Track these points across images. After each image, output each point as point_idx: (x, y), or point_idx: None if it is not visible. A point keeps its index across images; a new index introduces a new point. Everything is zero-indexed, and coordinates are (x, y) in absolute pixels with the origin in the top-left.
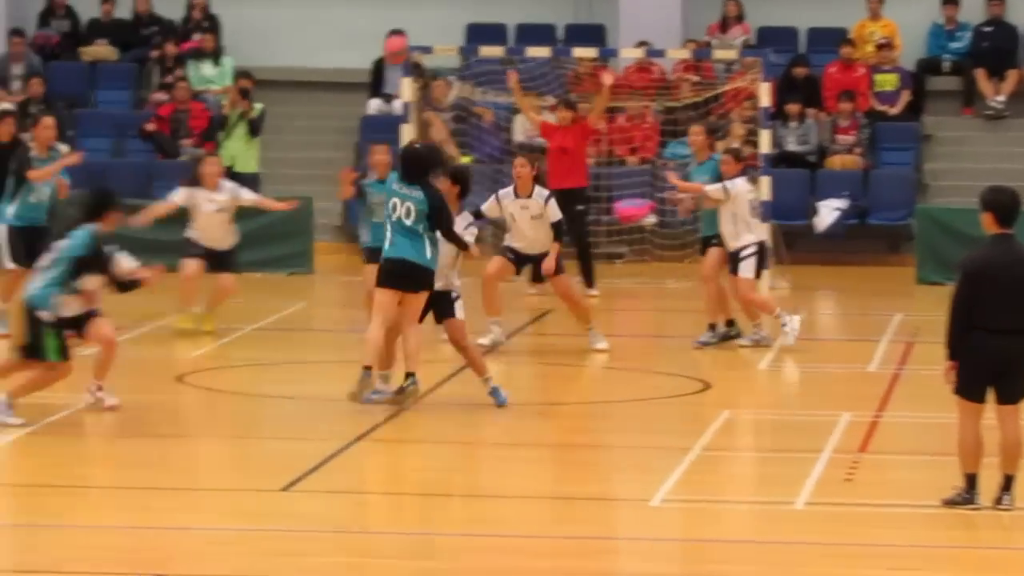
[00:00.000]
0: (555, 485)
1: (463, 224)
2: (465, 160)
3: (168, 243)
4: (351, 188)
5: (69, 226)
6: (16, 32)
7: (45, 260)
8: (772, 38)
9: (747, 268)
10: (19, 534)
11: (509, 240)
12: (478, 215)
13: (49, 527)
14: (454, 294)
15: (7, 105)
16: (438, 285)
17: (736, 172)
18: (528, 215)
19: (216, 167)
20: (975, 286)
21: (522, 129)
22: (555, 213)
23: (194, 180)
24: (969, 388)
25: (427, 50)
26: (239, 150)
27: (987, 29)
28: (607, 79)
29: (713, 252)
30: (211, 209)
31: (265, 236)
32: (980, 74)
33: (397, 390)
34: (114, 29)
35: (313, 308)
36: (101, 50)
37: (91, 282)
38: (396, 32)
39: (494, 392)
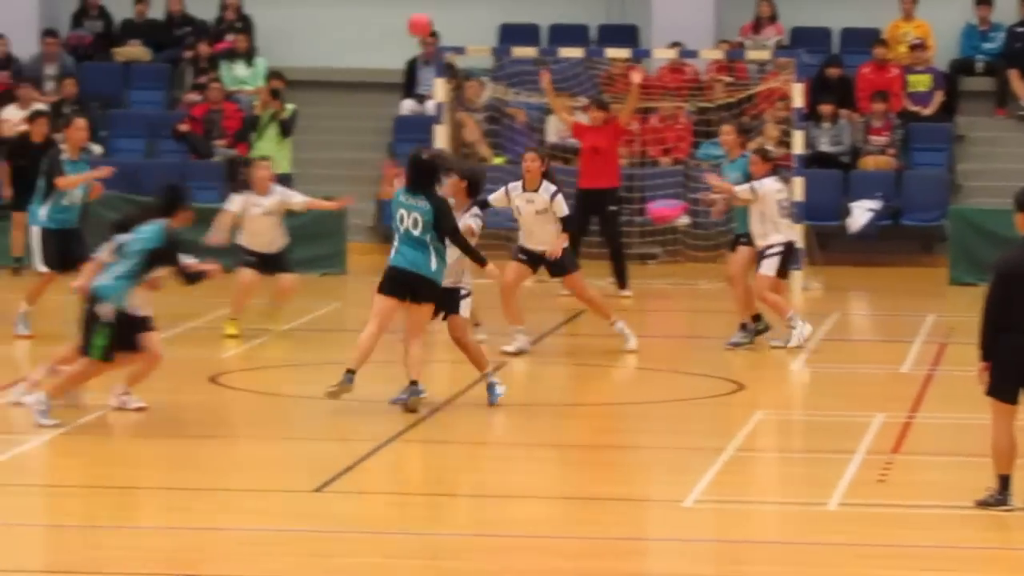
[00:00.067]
0: (587, 486)
1: (469, 212)
2: (498, 161)
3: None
4: (392, 188)
5: (135, 222)
6: (49, 33)
7: (107, 255)
8: (805, 38)
9: (768, 266)
10: (52, 535)
11: (520, 240)
12: (485, 204)
13: (82, 528)
14: (463, 291)
15: (40, 106)
16: (447, 282)
17: (765, 172)
18: (533, 209)
19: (266, 171)
20: (1008, 287)
21: (555, 130)
22: (562, 208)
23: (243, 185)
24: (1002, 389)
25: (460, 51)
26: (271, 151)
27: (1020, 29)
28: (636, 77)
29: (742, 251)
30: (258, 213)
31: (298, 237)
32: (1013, 75)
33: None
34: (147, 29)
35: (346, 309)
36: (134, 51)
37: (159, 274)
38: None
39: (490, 388)
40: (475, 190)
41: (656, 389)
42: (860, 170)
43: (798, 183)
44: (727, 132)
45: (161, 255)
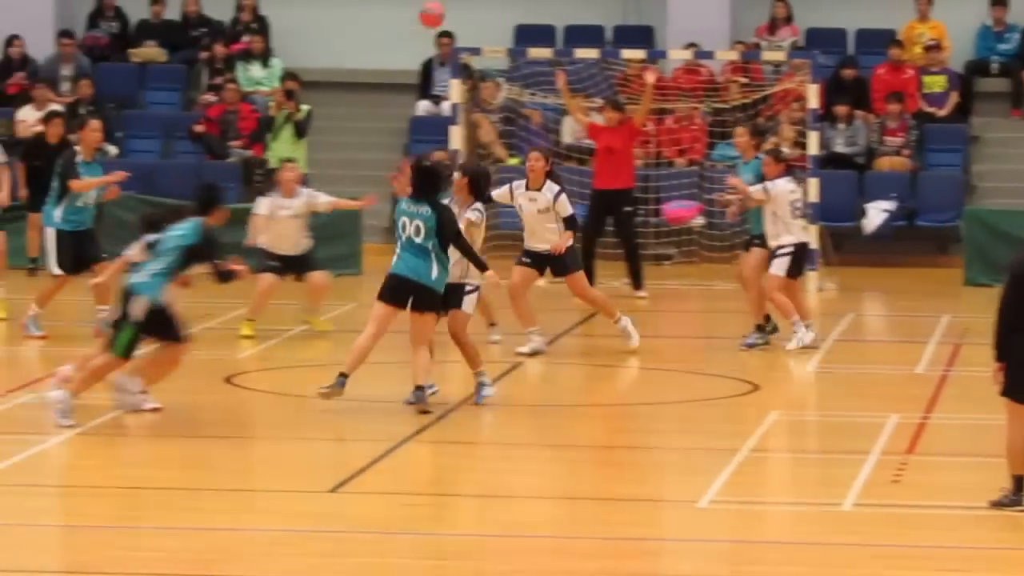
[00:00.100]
0: (602, 486)
1: (470, 207)
2: (513, 161)
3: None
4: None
5: (164, 221)
6: (65, 33)
7: (136, 254)
8: (820, 39)
9: (778, 266)
10: (68, 535)
11: (524, 242)
12: (488, 200)
13: (98, 528)
14: (468, 287)
15: (56, 107)
16: (452, 277)
17: (777, 173)
18: (535, 208)
19: (294, 173)
20: (1022, 287)
21: (570, 131)
22: (566, 209)
23: (269, 186)
24: (1017, 389)
25: (476, 51)
26: (286, 151)
27: None
28: (650, 78)
29: (755, 253)
30: (287, 215)
31: (314, 238)
32: None
33: (414, 399)
34: (163, 30)
35: (362, 309)
36: (150, 51)
37: (192, 272)
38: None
39: (479, 387)
40: (477, 188)
41: (671, 389)
42: (875, 171)
43: (813, 184)
44: (740, 134)
45: (198, 252)
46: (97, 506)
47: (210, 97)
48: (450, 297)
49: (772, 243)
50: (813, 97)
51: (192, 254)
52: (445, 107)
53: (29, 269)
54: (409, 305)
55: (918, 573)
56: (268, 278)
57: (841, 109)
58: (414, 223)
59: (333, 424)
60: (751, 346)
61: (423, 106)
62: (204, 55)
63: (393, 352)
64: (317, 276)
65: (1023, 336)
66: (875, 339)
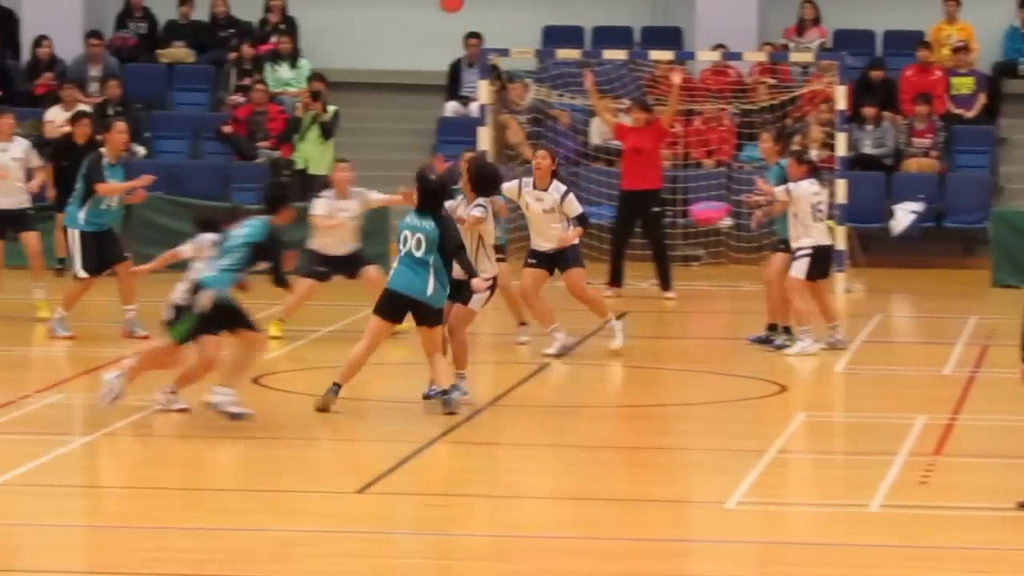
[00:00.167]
0: (629, 487)
1: (474, 204)
2: None
3: None
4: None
5: (220, 221)
6: (94, 34)
7: (190, 250)
8: (848, 41)
9: (798, 269)
10: (93, 535)
11: (531, 242)
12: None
13: (124, 528)
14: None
15: (84, 107)
16: (458, 273)
17: (801, 175)
18: (541, 207)
19: (348, 173)
20: None
21: (598, 132)
22: (574, 208)
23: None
24: None
25: (504, 52)
26: (312, 152)
27: None
28: (676, 78)
29: (779, 256)
30: (346, 217)
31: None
32: None
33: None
34: (191, 31)
35: None
36: (178, 52)
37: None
38: None
39: (453, 388)
40: (480, 186)
41: (698, 391)
42: (903, 172)
43: (841, 185)
44: (765, 140)
45: (263, 250)
46: (123, 507)
47: (238, 98)
48: (458, 292)
49: (793, 245)
50: (841, 98)
51: (257, 252)
52: (473, 108)
53: (57, 270)
54: (414, 320)
55: (946, 574)
56: (308, 283)
57: (869, 110)
58: (415, 236)
59: (360, 425)
60: (757, 342)
61: (451, 107)
62: (232, 56)
63: (420, 352)
64: (371, 271)
65: None
66: (903, 340)
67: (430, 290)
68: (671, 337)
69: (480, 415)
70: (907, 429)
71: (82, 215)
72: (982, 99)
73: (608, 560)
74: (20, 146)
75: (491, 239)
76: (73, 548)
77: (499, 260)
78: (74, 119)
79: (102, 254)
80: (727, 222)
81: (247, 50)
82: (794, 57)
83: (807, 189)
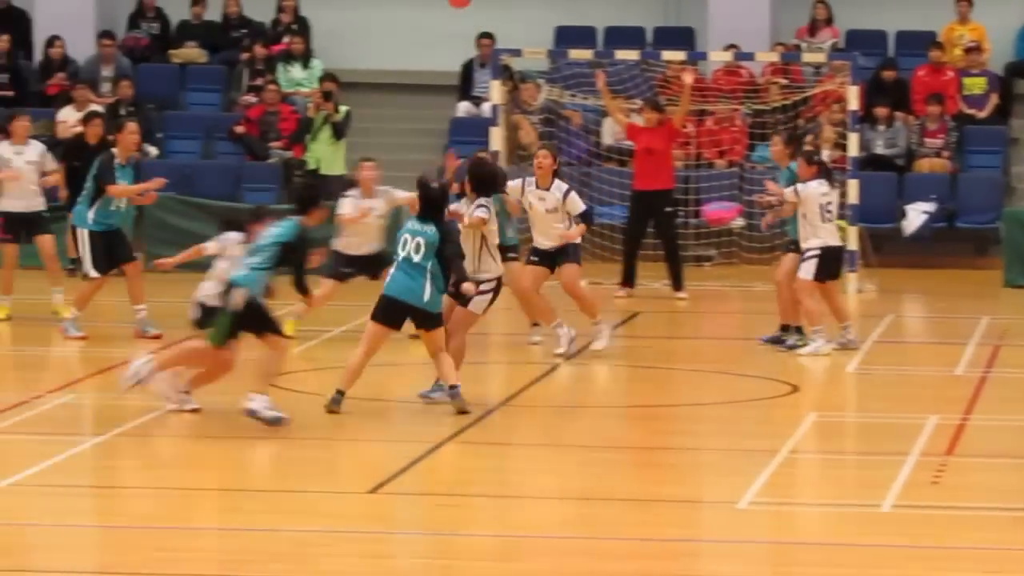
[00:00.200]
0: (641, 487)
1: (476, 205)
2: None
3: None
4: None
5: (244, 221)
6: (106, 34)
7: (214, 248)
8: (861, 41)
9: (806, 270)
10: (105, 535)
11: (533, 240)
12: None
13: (135, 529)
14: (481, 287)
15: (96, 107)
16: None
17: (810, 175)
18: (544, 207)
19: (373, 172)
20: None
21: (611, 132)
22: (577, 206)
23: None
24: None
25: (516, 53)
26: (324, 152)
27: None
28: (687, 79)
29: (789, 257)
30: (376, 216)
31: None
32: None
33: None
34: (204, 31)
35: None
36: (190, 52)
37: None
38: None
39: (433, 390)
40: (479, 186)
41: (710, 391)
42: (915, 172)
43: (853, 185)
44: (775, 143)
45: (291, 250)
46: (136, 507)
47: (250, 98)
48: (459, 293)
49: (802, 246)
50: (853, 99)
51: (285, 252)
52: (485, 108)
53: (69, 270)
54: (414, 325)
55: (958, 574)
56: (330, 284)
57: (881, 111)
58: (415, 240)
59: (372, 425)
60: (770, 342)
61: (463, 107)
62: (245, 56)
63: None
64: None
65: None
66: (915, 340)
67: (427, 296)
68: (683, 337)
69: (492, 415)
70: (919, 429)
71: (91, 215)
72: (994, 99)
73: (619, 560)
74: (35, 149)
75: (495, 239)
76: (85, 548)
77: (512, 260)
78: (86, 119)
79: (111, 254)
80: (739, 222)
81: (259, 50)
82: (806, 57)
83: (816, 189)
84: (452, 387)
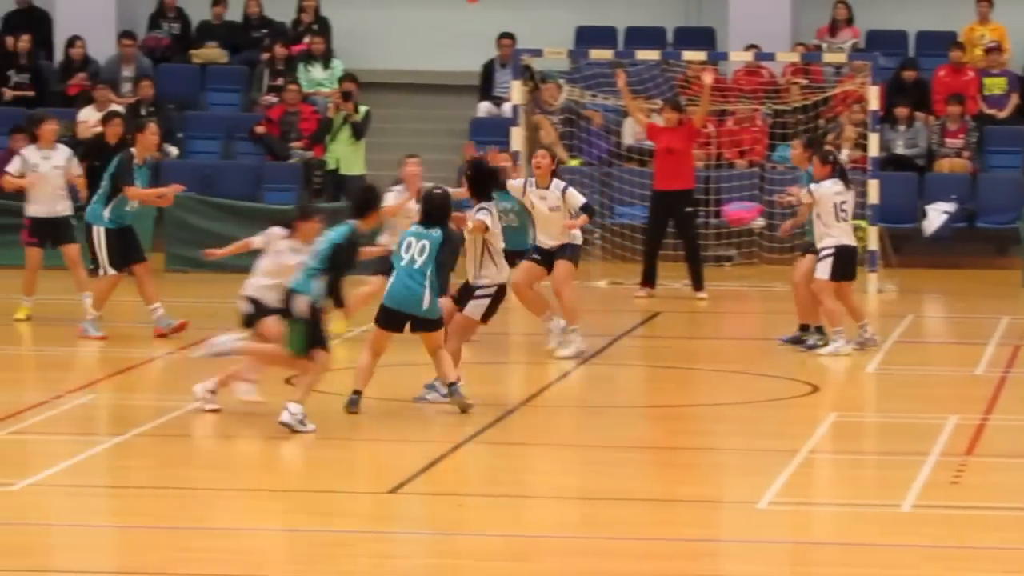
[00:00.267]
0: (661, 487)
1: (478, 209)
2: (574, 163)
3: None
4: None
5: (305, 213)
6: (127, 34)
7: (259, 242)
8: (881, 41)
9: (821, 270)
10: (125, 536)
11: (536, 239)
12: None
13: (154, 529)
14: (481, 292)
15: (116, 107)
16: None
17: (825, 175)
18: (546, 206)
19: (417, 167)
20: None
21: (631, 132)
22: (577, 199)
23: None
24: None
25: (537, 53)
26: (344, 153)
27: None
28: (707, 79)
29: (806, 259)
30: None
31: (370, 237)
32: None
33: (447, 395)
34: (224, 31)
35: None
36: (211, 52)
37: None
38: None
39: (432, 388)
40: (476, 187)
41: (730, 391)
42: (935, 173)
43: (873, 186)
44: (795, 147)
45: (342, 250)
46: (154, 507)
47: (271, 98)
48: (462, 297)
49: (817, 245)
50: (874, 99)
51: (337, 252)
52: (506, 108)
53: (90, 270)
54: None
55: (978, 575)
56: (378, 281)
57: (901, 111)
58: (420, 243)
59: (392, 426)
60: (790, 343)
61: (484, 107)
62: (265, 56)
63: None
64: None
65: None
66: (935, 340)
67: (426, 304)
68: (703, 337)
69: (511, 415)
70: (939, 429)
71: (107, 213)
72: (1015, 99)
73: (639, 560)
74: (62, 154)
75: (499, 244)
76: (104, 548)
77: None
78: (106, 119)
79: (124, 250)
80: (759, 222)
81: (280, 50)
82: (827, 58)
83: (830, 189)
84: (451, 384)
